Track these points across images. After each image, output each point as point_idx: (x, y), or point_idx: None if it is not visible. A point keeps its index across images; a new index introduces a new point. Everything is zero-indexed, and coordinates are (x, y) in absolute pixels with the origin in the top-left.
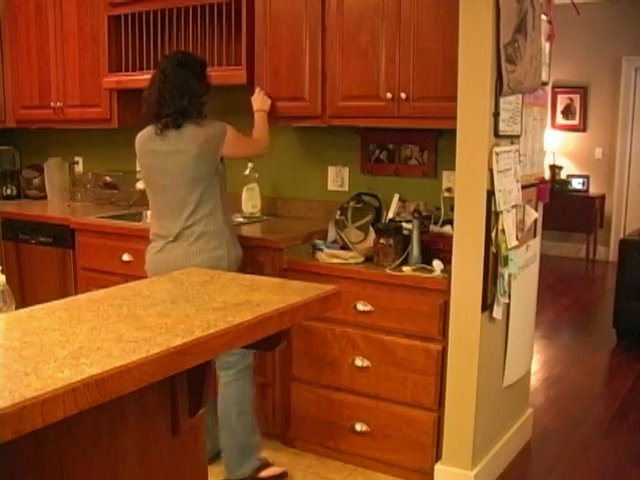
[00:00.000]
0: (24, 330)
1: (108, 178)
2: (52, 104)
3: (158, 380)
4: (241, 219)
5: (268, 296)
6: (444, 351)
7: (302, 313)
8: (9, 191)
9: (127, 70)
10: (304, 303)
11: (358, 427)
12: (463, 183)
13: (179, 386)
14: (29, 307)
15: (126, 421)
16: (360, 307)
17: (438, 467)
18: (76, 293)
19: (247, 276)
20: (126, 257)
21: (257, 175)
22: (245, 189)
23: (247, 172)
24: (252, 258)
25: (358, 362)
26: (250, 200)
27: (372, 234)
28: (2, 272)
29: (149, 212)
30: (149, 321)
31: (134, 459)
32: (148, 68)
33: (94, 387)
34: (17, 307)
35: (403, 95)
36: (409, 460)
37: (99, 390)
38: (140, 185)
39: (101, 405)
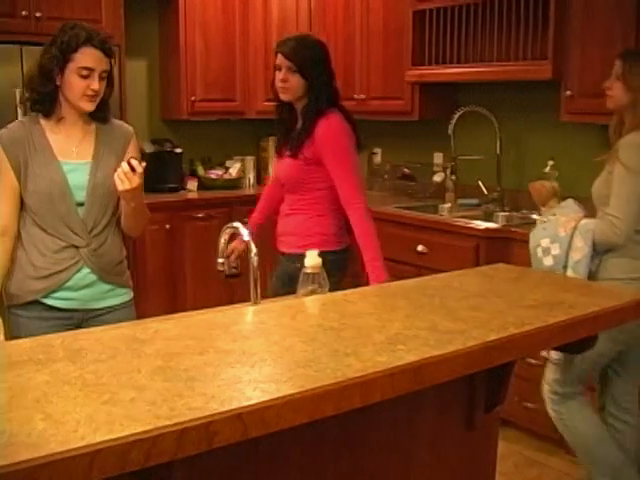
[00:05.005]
0: (341, 312)
1: (406, 169)
2: (355, 96)
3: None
4: (537, 217)
5: (580, 298)
6: None
7: (617, 318)
8: None
9: (430, 64)
10: (620, 308)
11: None
12: None
13: (478, 381)
14: (343, 291)
15: (423, 411)
16: None
17: None
18: (368, 281)
19: (557, 275)
20: (420, 248)
21: (557, 173)
22: None
23: (547, 169)
24: None
25: None
26: None
27: None
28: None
29: None
30: (462, 314)
31: (427, 449)
32: (451, 62)
33: (411, 374)
34: None
35: None
36: None
37: (415, 377)
38: (438, 178)
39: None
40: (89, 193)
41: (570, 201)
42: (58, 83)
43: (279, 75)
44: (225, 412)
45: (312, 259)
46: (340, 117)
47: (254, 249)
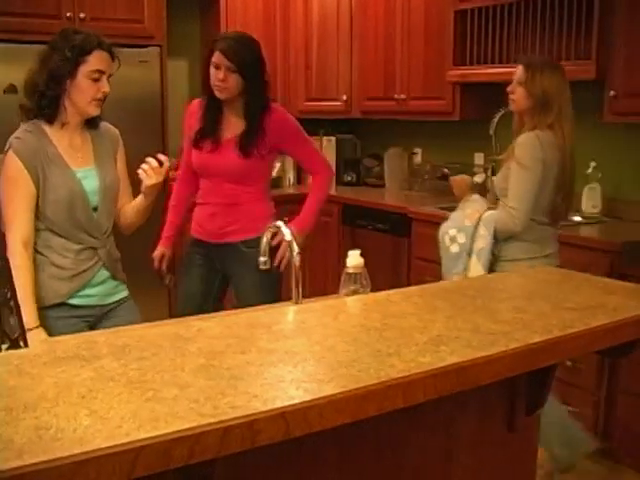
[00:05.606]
0: (383, 312)
1: (446, 170)
2: (396, 96)
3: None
4: (579, 219)
5: (624, 301)
6: None
7: None
8: (349, 178)
9: (471, 64)
10: None
11: None
12: None
13: (519, 383)
14: (385, 291)
15: (465, 412)
16: None
17: None
18: (408, 281)
19: (600, 278)
20: None
21: (600, 174)
22: (586, 188)
23: (589, 171)
24: (589, 259)
25: None
26: (590, 200)
27: None
28: (360, 255)
29: None
30: (505, 315)
31: (467, 449)
32: (492, 62)
33: (454, 375)
34: None
35: None
36: None
37: (458, 378)
38: (478, 178)
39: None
40: (101, 197)
41: (477, 196)
42: (66, 87)
43: (218, 74)
44: (268, 411)
45: (355, 259)
46: (280, 106)
47: (296, 249)
